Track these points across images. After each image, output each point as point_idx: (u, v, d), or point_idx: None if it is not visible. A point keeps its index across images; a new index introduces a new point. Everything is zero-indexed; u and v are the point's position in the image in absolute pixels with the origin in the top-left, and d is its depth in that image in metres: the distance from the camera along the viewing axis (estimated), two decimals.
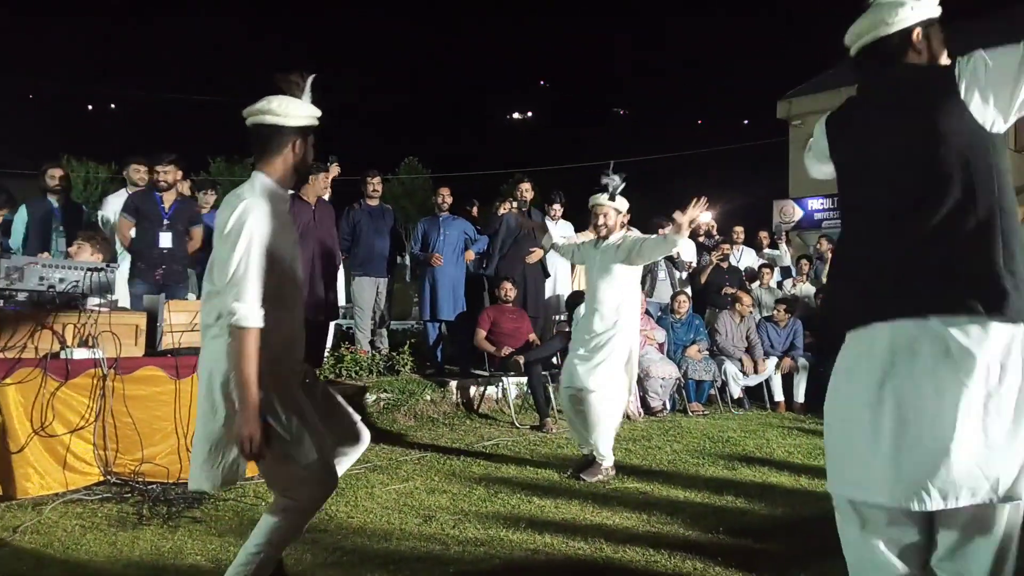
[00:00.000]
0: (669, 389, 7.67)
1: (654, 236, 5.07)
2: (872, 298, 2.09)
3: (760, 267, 9.55)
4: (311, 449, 2.51)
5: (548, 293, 8.21)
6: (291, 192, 6.50)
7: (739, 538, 3.69)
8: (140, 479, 4.21)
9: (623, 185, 5.04)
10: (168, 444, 4.39)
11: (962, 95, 1.98)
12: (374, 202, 7.60)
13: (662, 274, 8.77)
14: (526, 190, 7.99)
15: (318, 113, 2.63)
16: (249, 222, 2.40)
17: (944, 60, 2.19)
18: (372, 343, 7.49)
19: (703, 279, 8.90)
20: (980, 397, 1.93)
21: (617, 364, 4.92)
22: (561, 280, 8.47)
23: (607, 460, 4.94)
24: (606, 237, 5.04)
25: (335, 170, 7.44)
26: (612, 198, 5.03)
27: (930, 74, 2.11)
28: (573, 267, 8.65)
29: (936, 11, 2.19)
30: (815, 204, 19.26)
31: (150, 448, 4.35)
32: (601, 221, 5.04)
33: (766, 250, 10.55)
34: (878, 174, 2.12)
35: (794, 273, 10.06)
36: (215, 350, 2.45)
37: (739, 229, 9.96)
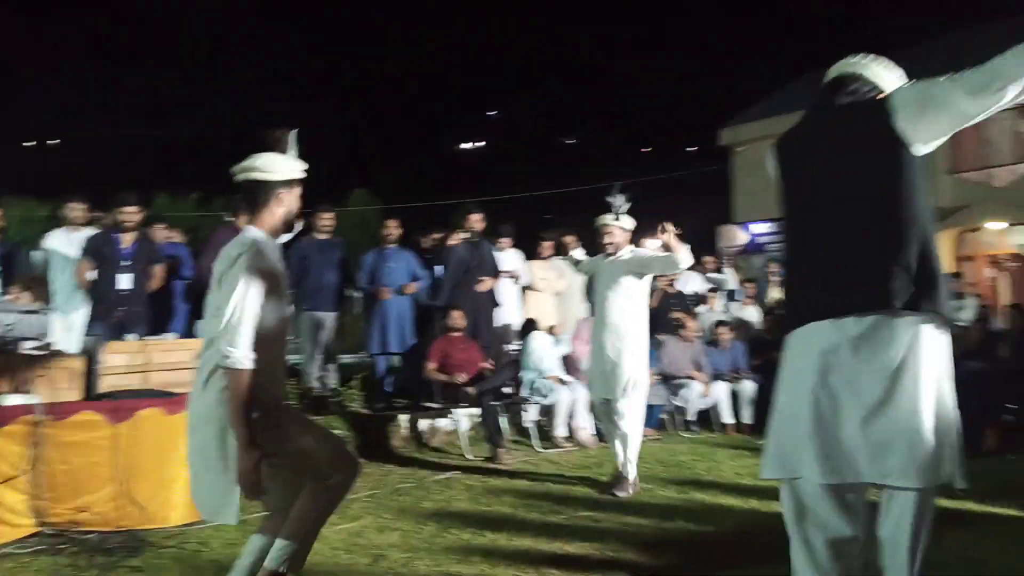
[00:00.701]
0: None
1: (662, 254, 5.29)
2: (807, 302, 2.37)
3: (707, 291, 9.71)
4: (320, 441, 2.77)
5: (498, 323, 8.21)
6: (231, 223, 6.43)
7: (690, 562, 3.70)
8: (77, 529, 4.06)
9: (628, 205, 5.41)
10: (106, 491, 4.24)
11: (894, 123, 2.24)
12: (324, 236, 7.55)
13: None
14: (476, 220, 8.01)
15: (303, 166, 2.83)
16: (243, 273, 2.60)
17: None
18: (320, 378, 7.39)
19: (652, 305, 8.99)
20: (901, 383, 2.19)
21: (642, 372, 5.29)
22: (510, 309, 8.48)
23: (633, 471, 5.26)
24: (614, 253, 5.36)
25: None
26: (617, 218, 5.38)
27: (868, 104, 2.37)
28: (524, 295, 8.68)
29: (898, 81, 2.45)
30: (759, 228, 19.69)
31: (87, 496, 4.19)
32: (608, 240, 5.37)
33: (711, 274, 10.72)
34: (816, 192, 2.39)
35: (740, 296, 10.24)
36: (211, 398, 2.64)
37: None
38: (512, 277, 8.33)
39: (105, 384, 4.52)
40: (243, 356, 2.56)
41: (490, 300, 7.94)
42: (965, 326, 7.90)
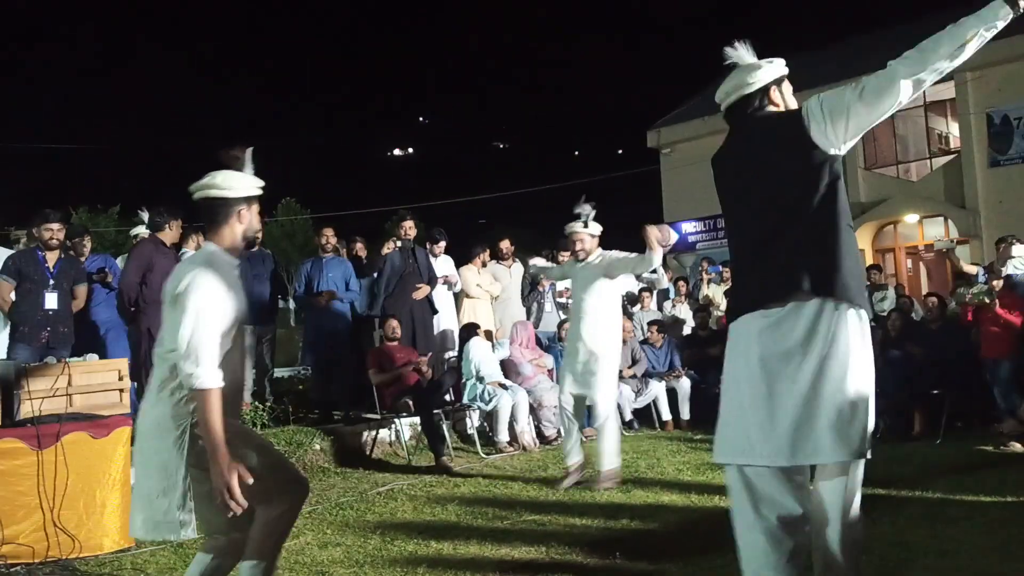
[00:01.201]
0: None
1: (633, 255, 5.48)
2: (742, 297, 2.60)
3: (640, 291, 9.83)
4: (270, 463, 2.72)
5: (435, 329, 8.17)
6: (151, 239, 6.24)
7: (636, 561, 3.74)
8: (2, 562, 3.87)
9: (594, 212, 5.67)
10: (32, 521, 4.05)
11: (809, 132, 2.47)
12: (253, 248, 7.39)
13: (548, 305, 8.88)
14: (409, 227, 7.96)
15: (260, 183, 2.84)
16: (198, 290, 2.56)
17: (793, 104, 2.69)
18: (255, 393, 7.22)
19: None
20: (826, 367, 2.40)
21: (614, 369, 5.58)
22: (447, 316, 8.45)
23: (614, 460, 5.48)
24: (585, 259, 5.62)
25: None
26: (586, 225, 5.66)
27: (785, 118, 2.60)
28: (458, 302, 8.66)
29: (784, 70, 2.71)
30: (689, 227, 20.11)
31: (12, 527, 3.99)
32: (579, 247, 5.65)
33: (645, 274, 10.86)
34: (748, 201, 2.62)
35: (672, 295, 10.42)
36: (164, 410, 2.60)
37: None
38: (447, 283, 8.30)
39: (26, 409, 4.31)
40: (208, 375, 2.51)
41: (427, 307, 7.89)
42: (885, 316, 8.21)
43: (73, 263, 6.24)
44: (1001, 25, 2.33)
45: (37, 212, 6.12)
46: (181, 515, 2.57)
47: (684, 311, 9.88)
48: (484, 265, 8.76)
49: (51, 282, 5.90)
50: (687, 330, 9.57)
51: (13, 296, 5.88)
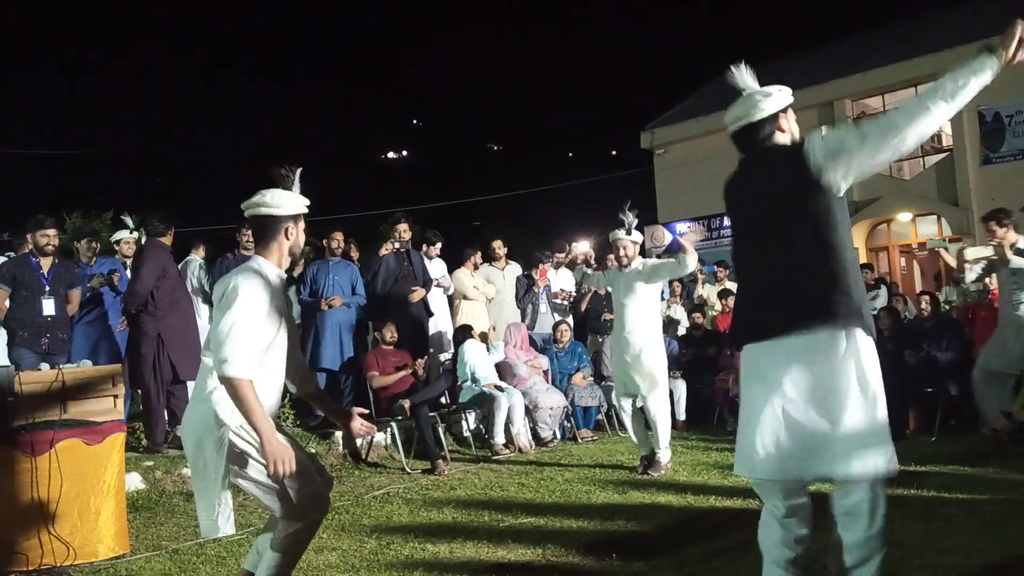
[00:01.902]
0: (558, 418, 7.74)
1: (671, 260, 5.85)
2: (757, 323, 2.71)
3: None
4: (306, 478, 2.86)
5: (431, 331, 8.16)
6: (159, 244, 6.22)
7: (632, 562, 3.74)
8: None
9: (636, 221, 6.04)
10: (27, 528, 4.02)
11: (811, 169, 2.57)
12: (249, 252, 7.37)
13: (543, 307, 8.88)
14: (404, 230, 7.95)
15: (307, 201, 3.02)
16: (244, 291, 2.76)
17: (797, 131, 2.81)
18: None
19: (583, 307, 9.07)
20: (839, 389, 2.54)
21: (662, 367, 5.92)
22: (442, 318, 8.45)
23: (666, 454, 5.90)
24: (627, 265, 5.95)
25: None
26: (629, 232, 6.01)
27: (789, 152, 2.68)
28: (452, 305, 8.65)
29: (790, 98, 2.80)
30: (683, 228, 20.12)
31: (6, 534, 3.96)
32: (622, 253, 5.99)
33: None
34: (757, 229, 2.74)
35: (667, 295, 10.42)
36: (207, 410, 2.78)
37: (612, 257, 10.24)
38: (439, 286, 8.29)
39: (20, 416, 4.28)
40: (237, 365, 2.66)
41: (422, 310, 7.88)
42: (875, 314, 8.23)
43: (68, 267, 6.21)
44: (990, 77, 2.47)
45: (30, 218, 6.09)
46: (218, 515, 2.78)
47: (679, 312, 9.89)
48: (476, 267, 8.76)
49: (47, 288, 5.86)
50: (682, 330, 9.56)
51: (7, 304, 5.85)
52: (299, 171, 3.09)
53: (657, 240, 19.68)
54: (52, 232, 5.90)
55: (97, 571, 4.00)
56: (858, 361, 2.57)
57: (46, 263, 5.92)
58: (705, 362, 8.69)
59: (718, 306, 9.79)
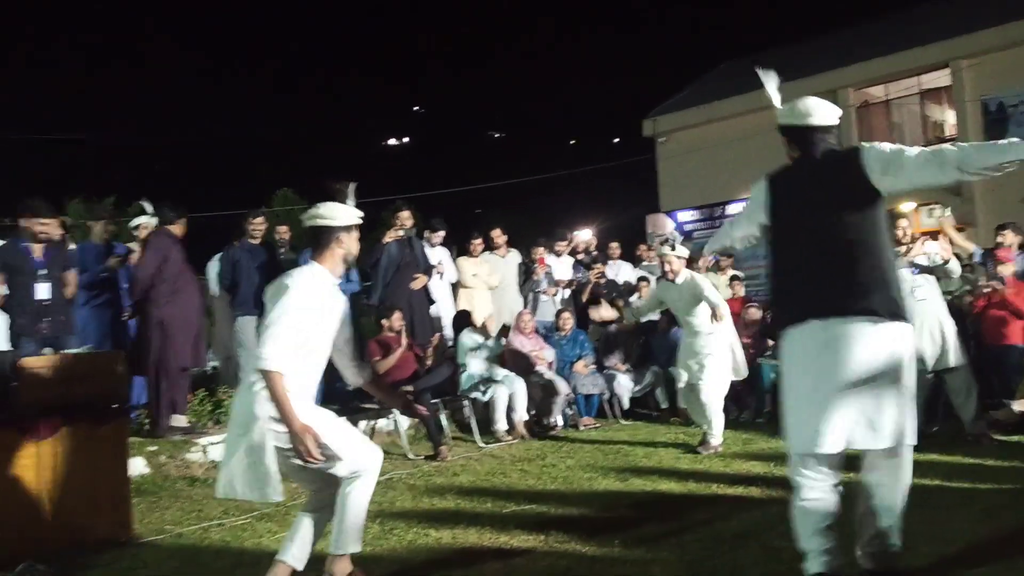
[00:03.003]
0: (561, 405, 7.76)
1: (715, 296, 6.28)
2: (807, 304, 2.95)
3: (638, 280, 9.82)
4: (346, 436, 3.26)
5: (433, 319, 8.17)
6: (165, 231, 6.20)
7: (633, 549, 3.76)
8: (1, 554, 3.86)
9: (682, 238, 6.34)
10: (31, 513, 4.05)
11: (867, 175, 2.88)
12: (256, 241, 7.41)
13: (544, 295, 8.88)
14: (406, 218, 7.94)
15: (360, 213, 3.42)
16: (296, 291, 3.13)
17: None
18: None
19: (584, 297, 9.07)
20: (885, 372, 2.85)
21: (721, 361, 6.32)
22: (445, 305, 8.45)
23: (716, 439, 6.20)
24: (674, 280, 6.34)
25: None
26: (674, 248, 6.44)
27: (847, 157, 2.99)
28: (455, 291, 8.65)
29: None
30: (685, 216, 20.08)
31: (9, 519, 3.98)
32: (668, 267, 6.38)
33: (646, 262, 10.84)
34: (813, 221, 2.97)
35: None
36: (252, 399, 3.12)
37: (614, 245, 10.22)
38: (439, 272, 8.29)
39: (23, 401, 4.29)
40: (273, 359, 3.01)
41: (424, 297, 7.89)
42: None
43: (61, 250, 6.14)
44: None
45: (22, 201, 5.95)
46: (267, 485, 3.11)
47: None
48: (476, 252, 8.75)
49: (41, 272, 5.80)
50: None
51: (4, 290, 5.83)
52: (353, 186, 3.56)
53: (659, 228, 19.63)
54: (50, 222, 5.82)
55: (101, 556, 4.01)
56: (900, 347, 2.89)
57: (38, 247, 5.83)
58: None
59: (727, 293, 9.75)
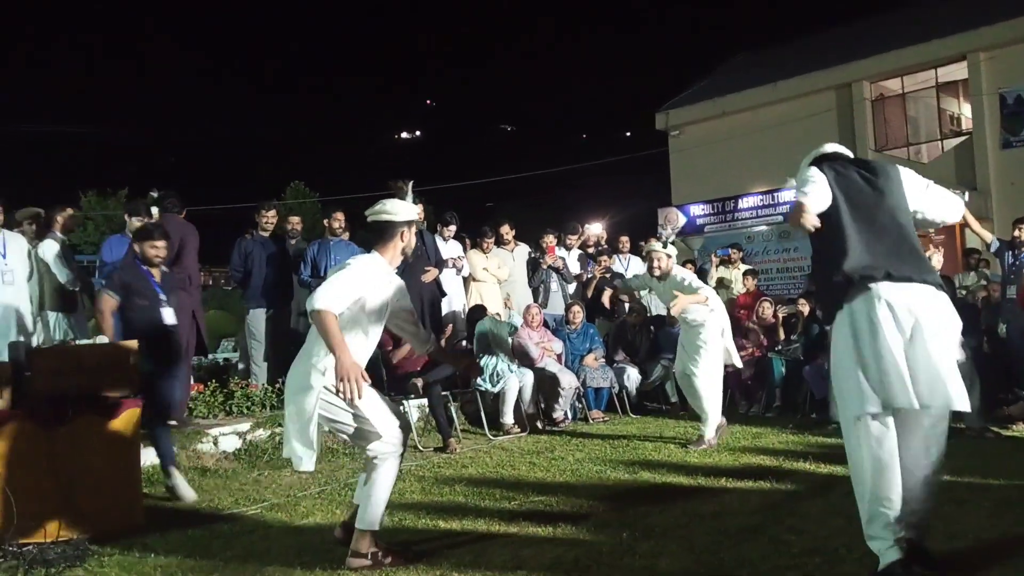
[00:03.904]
0: (570, 398, 7.76)
1: (699, 289, 6.25)
2: (882, 269, 3.13)
3: None
4: (383, 410, 3.57)
5: (444, 311, 8.18)
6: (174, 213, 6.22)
7: (642, 541, 3.75)
8: (13, 541, 3.91)
9: (674, 235, 6.50)
10: (43, 501, 4.09)
11: (904, 188, 3.32)
12: (266, 233, 7.44)
13: (554, 285, 8.88)
14: (418, 211, 7.95)
15: (419, 210, 3.73)
16: (356, 266, 3.50)
17: None
18: (253, 375, 7.28)
19: (589, 292, 9.05)
20: (945, 338, 3.07)
21: (714, 351, 6.27)
22: (456, 298, 8.46)
23: (709, 432, 6.21)
24: (663, 277, 6.29)
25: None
26: (665, 246, 6.40)
27: (890, 169, 3.38)
28: (467, 285, 8.66)
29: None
30: (697, 210, 19.96)
31: (23, 507, 4.02)
32: (656, 264, 6.29)
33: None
34: (873, 210, 3.25)
35: None
36: (306, 370, 3.46)
37: (624, 239, 10.20)
38: (453, 266, 8.30)
39: (36, 391, 4.34)
40: (323, 300, 3.28)
41: (436, 290, 7.90)
42: None
43: (170, 275, 5.73)
44: None
45: (139, 229, 5.59)
46: (303, 453, 3.43)
47: None
48: (488, 248, 8.75)
49: (162, 297, 5.39)
50: None
51: (113, 301, 5.29)
52: (411, 183, 4.18)
53: (671, 222, 19.53)
54: (161, 244, 5.40)
55: (112, 543, 4.04)
56: (954, 317, 3.15)
57: (156, 272, 5.43)
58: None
59: (738, 287, 9.72)
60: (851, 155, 3.52)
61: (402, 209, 3.69)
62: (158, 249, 5.38)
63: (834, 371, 3.26)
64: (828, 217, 3.23)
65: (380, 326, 3.64)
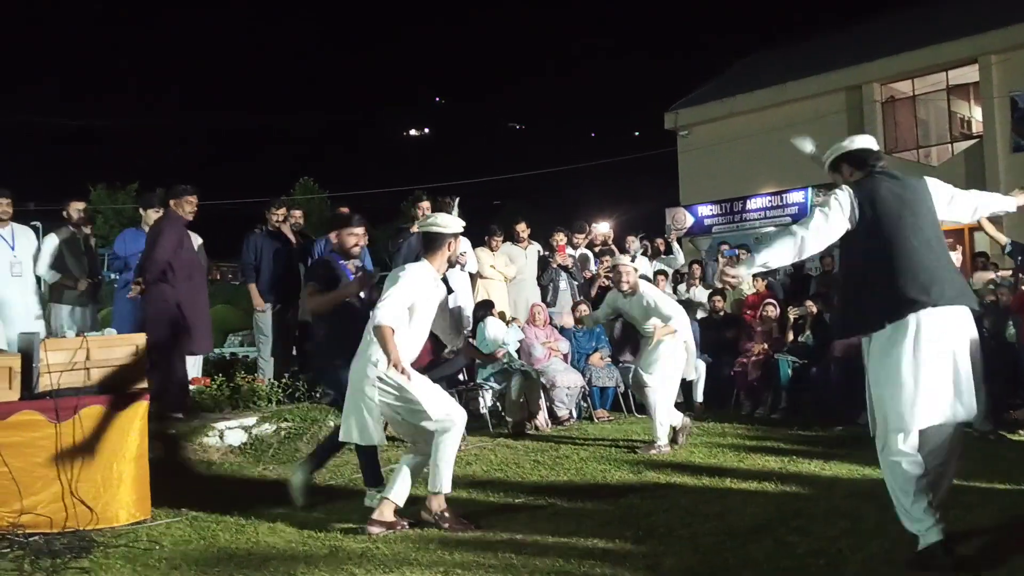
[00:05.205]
0: (575, 398, 7.76)
1: (668, 313, 6.14)
2: (932, 291, 3.26)
3: (655, 274, 9.79)
4: (435, 392, 4.12)
5: (450, 306, 8.17)
6: (175, 215, 6.22)
7: (644, 542, 3.75)
8: (20, 532, 3.93)
9: (642, 250, 6.47)
10: (50, 492, 4.11)
11: (933, 199, 3.48)
12: (275, 229, 7.46)
13: (563, 284, 8.88)
14: (426, 208, 7.95)
15: (464, 223, 4.30)
16: (409, 275, 4.06)
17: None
18: (260, 370, 7.30)
19: (593, 291, 9.03)
20: (973, 354, 3.30)
21: (673, 365, 6.22)
22: (463, 295, 8.46)
23: (661, 440, 6.13)
24: (632, 293, 6.23)
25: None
26: (633, 259, 6.52)
27: (918, 184, 3.51)
28: (474, 281, 8.66)
29: None
30: (705, 211, 19.97)
31: (30, 498, 4.05)
32: (624, 279, 6.23)
33: (662, 256, 10.80)
34: (914, 229, 3.35)
35: (688, 278, 10.37)
36: (364, 364, 4.07)
37: (631, 238, 10.18)
38: (460, 264, 8.30)
39: (45, 382, 4.36)
40: (384, 316, 3.85)
41: (443, 286, 7.89)
42: None
43: (363, 267, 5.50)
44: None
45: (335, 216, 5.53)
46: (373, 431, 4.08)
47: (699, 294, 9.84)
48: (497, 247, 8.74)
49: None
50: (701, 313, 9.52)
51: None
52: (457, 200, 4.45)
53: (678, 223, 19.52)
54: (361, 231, 5.17)
55: (119, 535, 4.07)
56: (976, 334, 3.36)
57: (352, 265, 5.13)
58: (723, 345, 8.65)
59: (747, 288, 9.67)
60: (879, 150, 3.66)
61: (450, 222, 4.21)
62: (357, 237, 5.16)
63: (877, 384, 3.37)
64: (869, 235, 3.36)
65: (428, 323, 4.23)
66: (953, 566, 3.16)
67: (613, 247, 10.15)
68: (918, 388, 3.20)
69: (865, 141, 3.64)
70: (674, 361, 6.24)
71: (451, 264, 4.37)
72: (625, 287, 6.21)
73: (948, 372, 3.23)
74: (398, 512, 4.10)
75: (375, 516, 4.05)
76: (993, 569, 3.22)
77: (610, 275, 8.97)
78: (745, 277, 5.21)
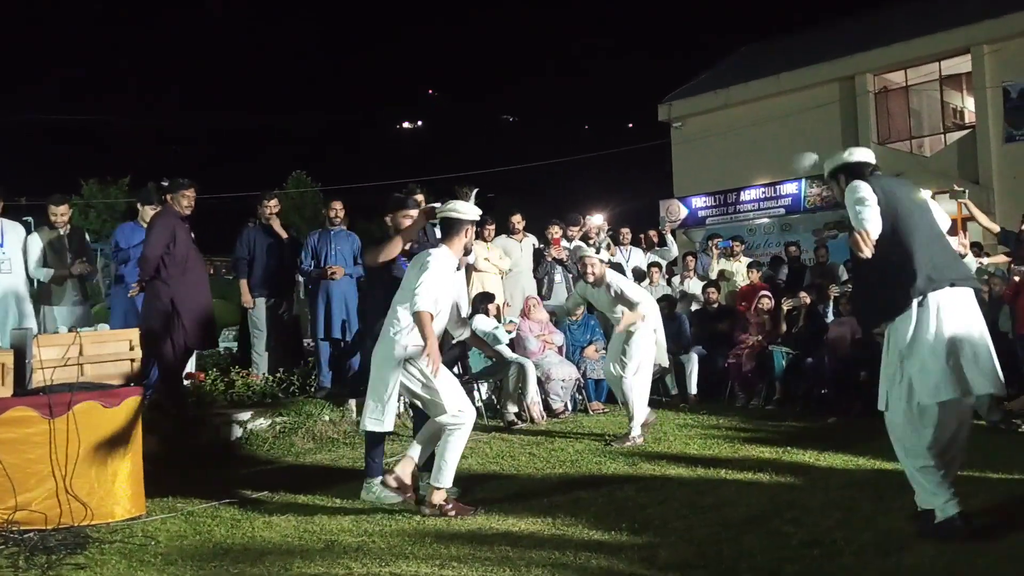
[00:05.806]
0: (570, 390, 7.76)
1: (634, 299, 6.12)
2: (948, 275, 3.58)
3: (648, 266, 9.80)
4: (455, 386, 4.34)
5: None
6: (170, 210, 6.18)
7: (639, 534, 3.76)
8: (14, 528, 3.92)
9: (608, 241, 6.57)
10: (45, 488, 4.10)
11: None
12: (267, 222, 7.43)
13: (559, 277, 8.87)
14: (420, 201, 7.91)
15: (480, 212, 4.47)
16: (436, 262, 4.22)
17: None
18: (255, 365, 7.28)
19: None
20: (986, 331, 3.60)
21: (644, 354, 6.25)
22: (459, 287, 8.44)
23: (635, 431, 6.16)
24: (598, 284, 6.22)
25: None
26: (598, 251, 6.47)
27: (909, 182, 3.91)
28: (469, 273, 8.65)
29: None
30: (699, 202, 19.95)
31: (24, 494, 4.04)
32: (589, 270, 6.23)
33: (656, 248, 10.80)
34: (925, 221, 3.69)
35: (682, 270, 10.38)
36: (389, 347, 4.28)
37: (625, 230, 10.18)
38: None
39: (38, 378, 4.35)
40: (423, 303, 4.06)
41: None
42: None
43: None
44: None
45: (393, 199, 5.35)
46: (385, 416, 4.32)
47: (693, 286, 9.85)
48: (490, 236, 8.72)
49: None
50: (696, 305, 9.54)
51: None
52: (476, 190, 4.77)
53: (673, 215, 19.52)
54: (415, 213, 5.07)
55: (114, 531, 4.06)
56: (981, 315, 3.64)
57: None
58: (717, 337, 8.67)
59: (740, 280, 9.69)
60: (876, 164, 3.89)
61: (468, 209, 4.38)
62: (412, 219, 5.05)
63: (909, 358, 3.54)
64: (891, 229, 3.56)
65: (448, 309, 4.40)
66: (969, 535, 3.35)
67: (581, 243, 10.13)
68: (950, 360, 3.46)
69: (863, 155, 3.88)
70: (648, 351, 6.28)
71: (467, 251, 4.49)
72: (591, 278, 6.23)
73: (969, 346, 3.49)
74: (448, 495, 4.32)
75: (427, 500, 4.28)
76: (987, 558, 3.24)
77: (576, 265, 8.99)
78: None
